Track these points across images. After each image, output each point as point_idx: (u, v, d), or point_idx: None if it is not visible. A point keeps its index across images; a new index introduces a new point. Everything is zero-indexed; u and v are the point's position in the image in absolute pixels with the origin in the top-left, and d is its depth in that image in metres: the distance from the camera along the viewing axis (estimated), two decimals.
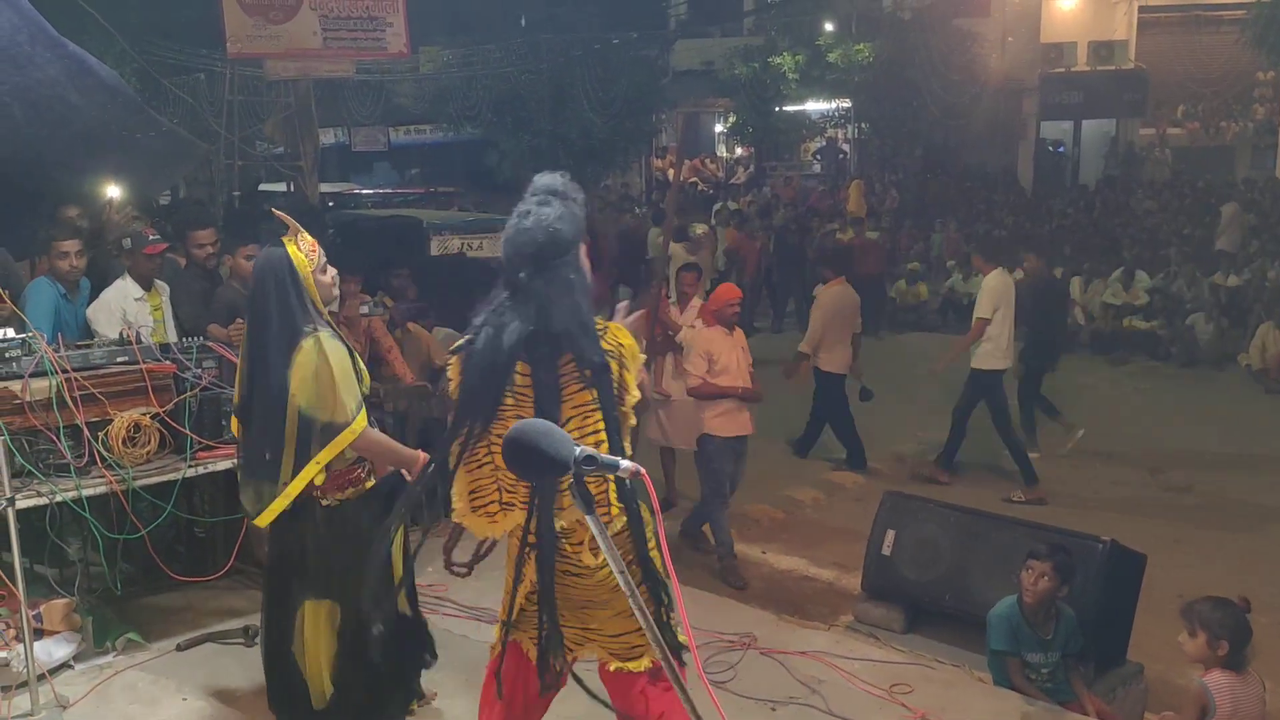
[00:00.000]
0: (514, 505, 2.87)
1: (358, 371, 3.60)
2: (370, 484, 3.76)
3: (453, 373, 2.93)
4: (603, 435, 2.85)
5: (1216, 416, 10.25)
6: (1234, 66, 19.95)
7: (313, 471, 3.51)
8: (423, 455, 3.50)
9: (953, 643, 5.20)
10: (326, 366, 3.46)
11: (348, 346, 3.60)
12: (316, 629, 3.67)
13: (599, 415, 2.84)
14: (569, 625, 2.97)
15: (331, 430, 3.48)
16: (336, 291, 3.73)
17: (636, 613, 1.92)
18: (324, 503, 3.62)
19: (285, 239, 3.62)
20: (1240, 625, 3.94)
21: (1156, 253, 15.17)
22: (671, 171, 18.73)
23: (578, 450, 1.66)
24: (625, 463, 1.75)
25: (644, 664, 2.96)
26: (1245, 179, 20.74)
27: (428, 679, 4.46)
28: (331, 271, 3.68)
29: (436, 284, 8.90)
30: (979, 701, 4.38)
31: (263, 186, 14.63)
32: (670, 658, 2.02)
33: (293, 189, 10.58)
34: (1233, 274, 13.75)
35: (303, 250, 3.59)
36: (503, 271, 2.89)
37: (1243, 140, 23.42)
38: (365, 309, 6.75)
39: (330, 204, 15.00)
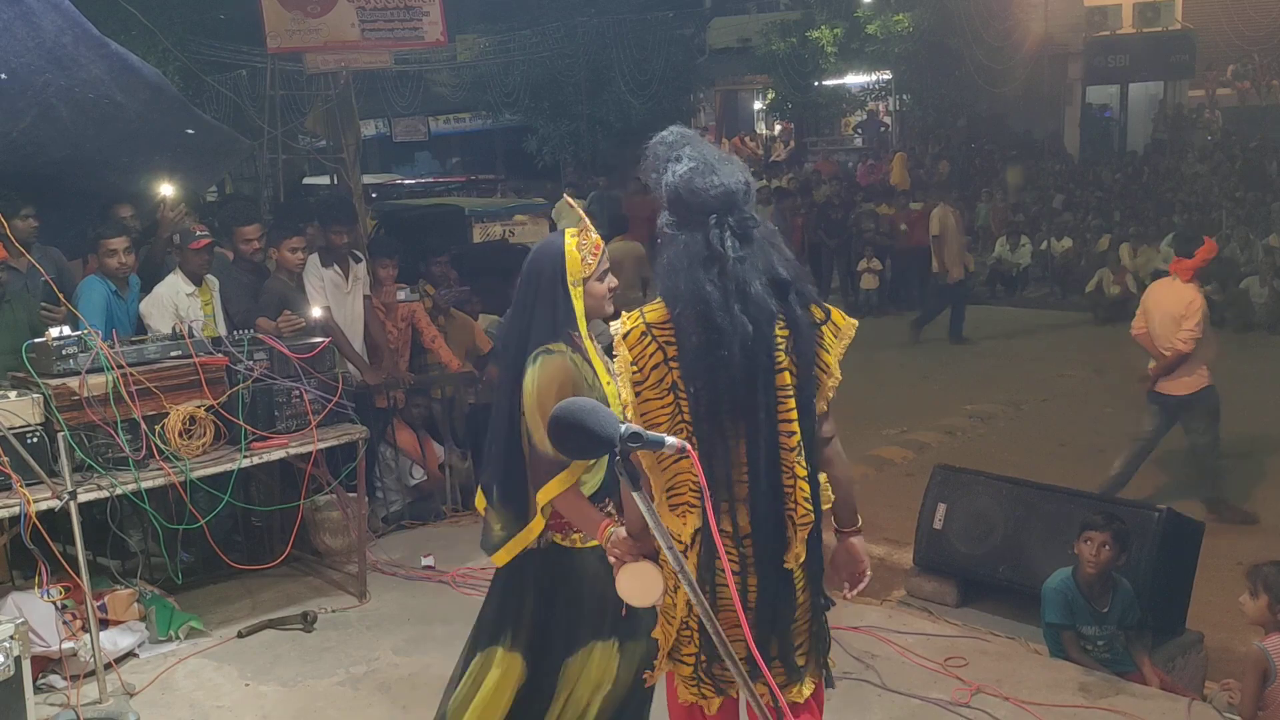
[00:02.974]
0: (695, 507, 2.48)
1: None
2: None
3: (634, 353, 2.47)
4: (794, 426, 2.46)
5: (1273, 382, 10.03)
6: None
7: (541, 510, 3.00)
8: (604, 524, 2.79)
9: (1007, 615, 5.16)
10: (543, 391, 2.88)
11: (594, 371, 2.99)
12: (495, 680, 3.16)
13: (791, 403, 2.46)
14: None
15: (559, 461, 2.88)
16: (610, 307, 3.04)
17: (706, 622, 1.81)
18: (551, 539, 3.08)
19: (568, 231, 3.08)
20: None
21: (1208, 216, 14.86)
22: None
23: (623, 427, 1.67)
24: (670, 439, 1.76)
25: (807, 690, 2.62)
26: None
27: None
28: (611, 282, 3.06)
29: (480, 271, 8.96)
30: (1035, 673, 4.35)
31: (306, 180, 14.79)
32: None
33: (336, 181, 10.67)
34: None
35: (581, 250, 3.02)
36: (679, 224, 2.48)
37: None
38: (403, 295, 6.82)
39: (373, 195, 15.15)
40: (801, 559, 2.52)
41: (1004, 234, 15.30)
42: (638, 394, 2.46)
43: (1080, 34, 21.64)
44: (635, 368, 2.46)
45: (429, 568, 5.57)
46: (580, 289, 3.00)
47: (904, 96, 24.10)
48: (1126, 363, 11.08)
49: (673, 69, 20.62)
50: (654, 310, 2.49)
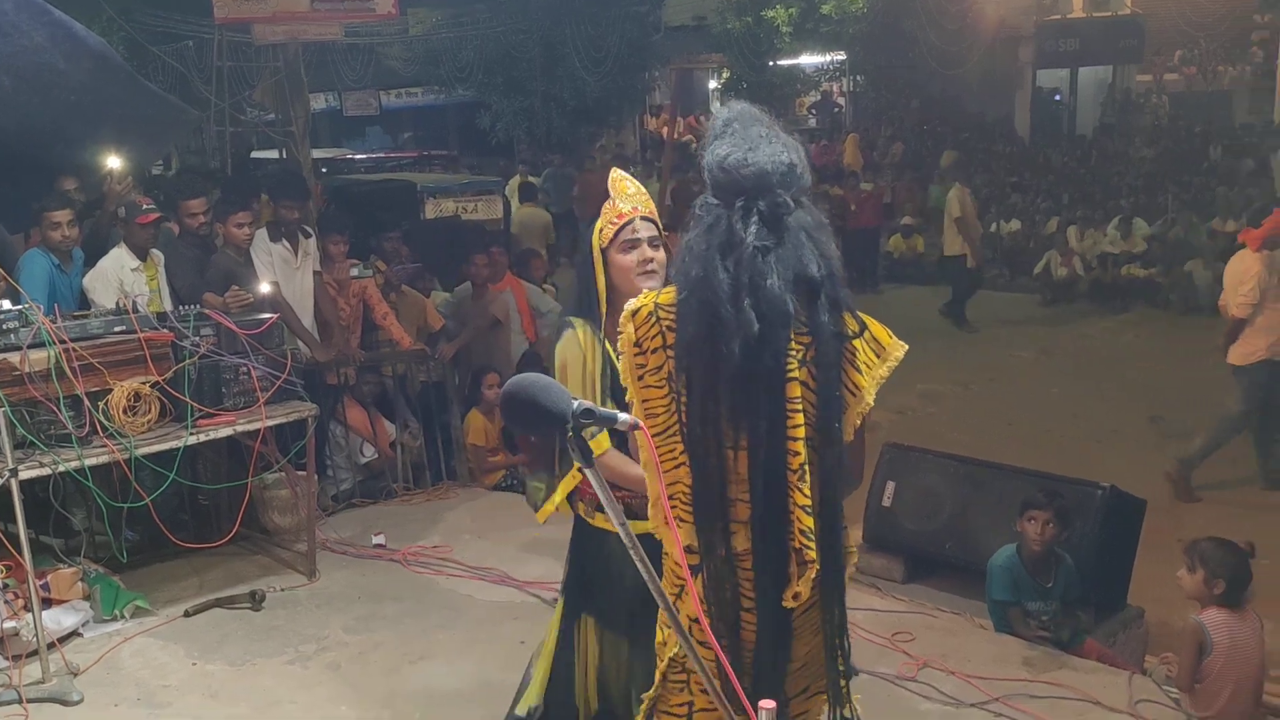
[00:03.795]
0: (685, 521, 2.28)
1: (607, 389, 2.84)
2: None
3: (639, 333, 2.26)
4: (799, 446, 2.19)
5: (1216, 362, 10.24)
6: (1230, 10, 19.72)
7: (572, 482, 2.92)
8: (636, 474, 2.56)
9: (953, 591, 5.25)
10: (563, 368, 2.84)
11: (608, 361, 2.84)
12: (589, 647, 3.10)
13: (800, 419, 2.20)
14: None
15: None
16: (645, 284, 2.78)
17: (676, 628, 1.75)
18: (582, 514, 3.02)
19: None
20: (1240, 566, 3.99)
21: (1154, 200, 15.11)
22: (666, 130, 18.61)
23: (575, 404, 1.66)
24: (624, 415, 1.75)
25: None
26: (1242, 124, 20.63)
27: (428, 636, 4.53)
28: (637, 254, 2.81)
29: (432, 247, 8.89)
30: (980, 648, 4.43)
31: (255, 153, 14.56)
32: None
33: (285, 155, 10.50)
34: (1230, 219, 13.70)
35: (604, 218, 2.87)
36: (710, 206, 2.27)
37: (1240, 85, 23.25)
38: (355, 272, 6.75)
39: (323, 169, 14.95)
40: (803, 599, 2.25)
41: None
42: (639, 378, 2.27)
43: (1032, 18, 21.84)
44: (638, 349, 2.26)
45: (380, 546, 5.54)
46: (600, 257, 2.85)
47: (858, 78, 24.20)
48: (1074, 343, 11.31)
49: (627, 46, 20.51)
50: (668, 292, 2.29)
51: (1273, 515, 6.39)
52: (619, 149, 22.42)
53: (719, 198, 2.26)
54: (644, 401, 2.26)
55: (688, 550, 2.26)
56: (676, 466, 2.26)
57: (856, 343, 2.27)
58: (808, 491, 2.21)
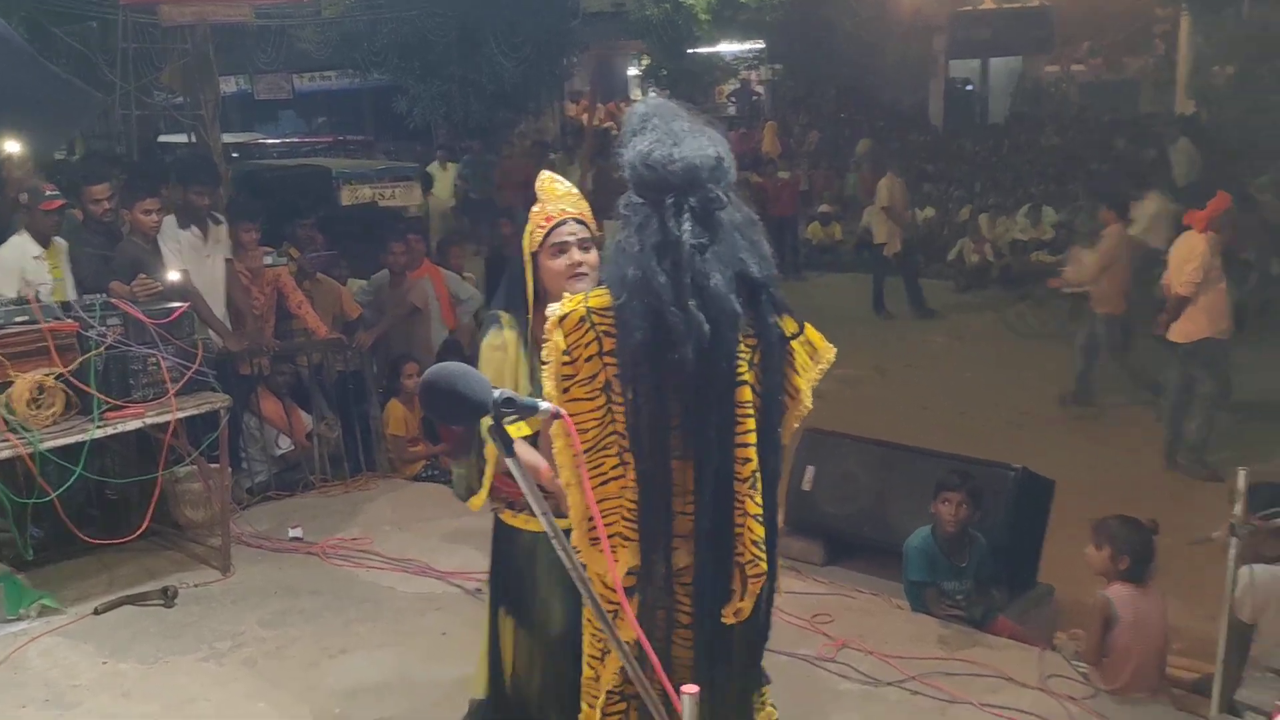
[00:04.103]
0: (630, 540, 2.16)
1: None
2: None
3: (569, 341, 2.15)
4: (750, 453, 2.13)
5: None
6: (1135, 2, 20.33)
7: (492, 460, 2.81)
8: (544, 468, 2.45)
9: (871, 572, 5.34)
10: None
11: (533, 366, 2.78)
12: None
13: (750, 424, 2.14)
14: None
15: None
16: (574, 288, 2.64)
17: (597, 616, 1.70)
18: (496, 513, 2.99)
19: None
20: (1144, 543, 4.12)
21: (1063, 188, 15.51)
22: (585, 116, 18.53)
23: (496, 392, 1.64)
24: (544, 403, 1.74)
25: None
26: (1147, 113, 21.26)
27: (348, 629, 4.47)
28: (566, 259, 2.73)
29: (348, 234, 8.75)
30: (897, 627, 4.51)
31: (162, 138, 14.14)
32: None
33: (194, 139, 10.22)
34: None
35: (533, 221, 2.80)
36: (637, 205, 2.18)
37: (1144, 75, 23.96)
38: (269, 260, 6.61)
39: (234, 155, 14.60)
40: (744, 616, 2.19)
41: (870, 204, 15.66)
42: (565, 390, 2.14)
43: (945, 7, 22.22)
44: (567, 358, 2.13)
45: (296, 539, 5.45)
46: (530, 261, 2.77)
47: (776, 66, 24.37)
48: (986, 328, 11.57)
49: (545, 31, 20.34)
50: (598, 295, 2.17)
51: (1176, 492, 6.63)
52: (538, 135, 22.25)
53: (644, 195, 2.16)
54: (572, 416, 2.08)
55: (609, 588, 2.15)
56: (605, 482, 2.15)
57: (794, 344, 2.23)
58: (759, 500, 2.15)
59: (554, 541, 1.73)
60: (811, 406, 2.25)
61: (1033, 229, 13.72)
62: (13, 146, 5.74)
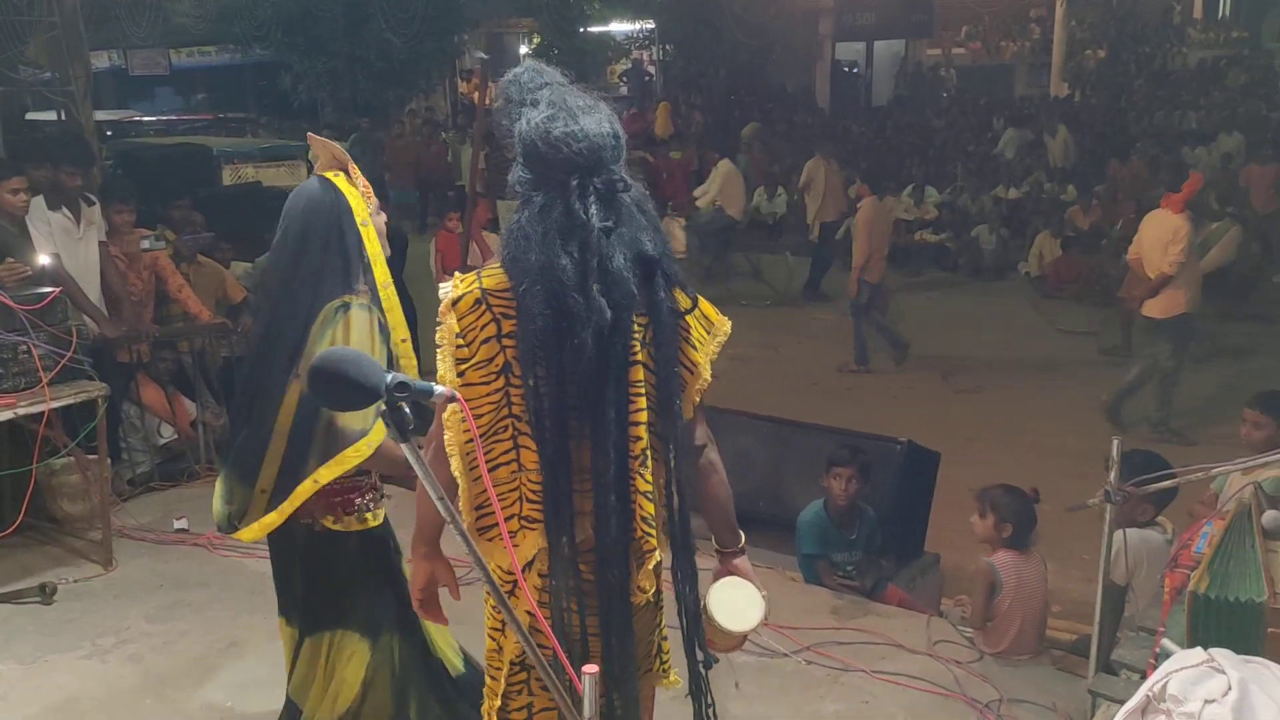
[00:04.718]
0: (536, 521, 2.14)
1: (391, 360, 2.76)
2: (377, 522, 2.89)
3: (463, 324, 2.11)
4: (641, 430, 2.13)
5: (1001, 322, 10.93)
6: None
7: (308, 491, 2.66)
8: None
9: (766, 546, 5.40)
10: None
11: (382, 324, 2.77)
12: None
13: (642, 403, 2.13)
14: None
15: (336, 439, 2.61)
16: (387, 250, 2.82)
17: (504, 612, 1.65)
18: (305, 522, 2.83)
19: (328, 173, 2.79)
20: (1026, 510, 4.28)
21: (945, 169, 15.92)
22: (477, 95, 18.37)
23: (389, 376, 1.61)
24: (439, 387, 1.71)
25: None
26: (1022, 96, 21.95)
27: (237, 621, 4.35)
28: (383, 217, 2.85)
29: (230, 215, 8.49)
30: (792, 599, 4.60)
31: (30, 115, 13.49)
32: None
33: (64, 116, 9.77)
34: (1013, 188, 14.59)
35: (358, 188, 2.77)
36: (535, 183, 2.12)
37: (1020, 59, 24.73)
38: (146, 243, 6.37)
39: (108, 133, 14.00)
40: (649, 592, 2.23)
41: (762, 185, 15.84)
42: (460, 374, 2.10)
43: None
44: (462, 340, 2.09)
45: (182, 530, 5.29)
46: (371, 229, 2.73)
47: (667, 46, 24.43)
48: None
49: (435, 7, 20.03)
50: (492, 275, 2.12)
51: (1055, 460, 6.89)
52: (429, 113, 21.93)
53: (540, 172, 2.11)
54: (468, 400, 2.07)
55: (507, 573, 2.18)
56: (496, 467, 2.13)
57: (689, 319, 2.22)
58: (649, 477, 2.16)
59: (452, 527, 1.71)
60: (710, 379, 2.25)
61: (916, 209, 14.06)
62: None
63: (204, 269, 6.74)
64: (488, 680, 2.33)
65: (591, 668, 1.65)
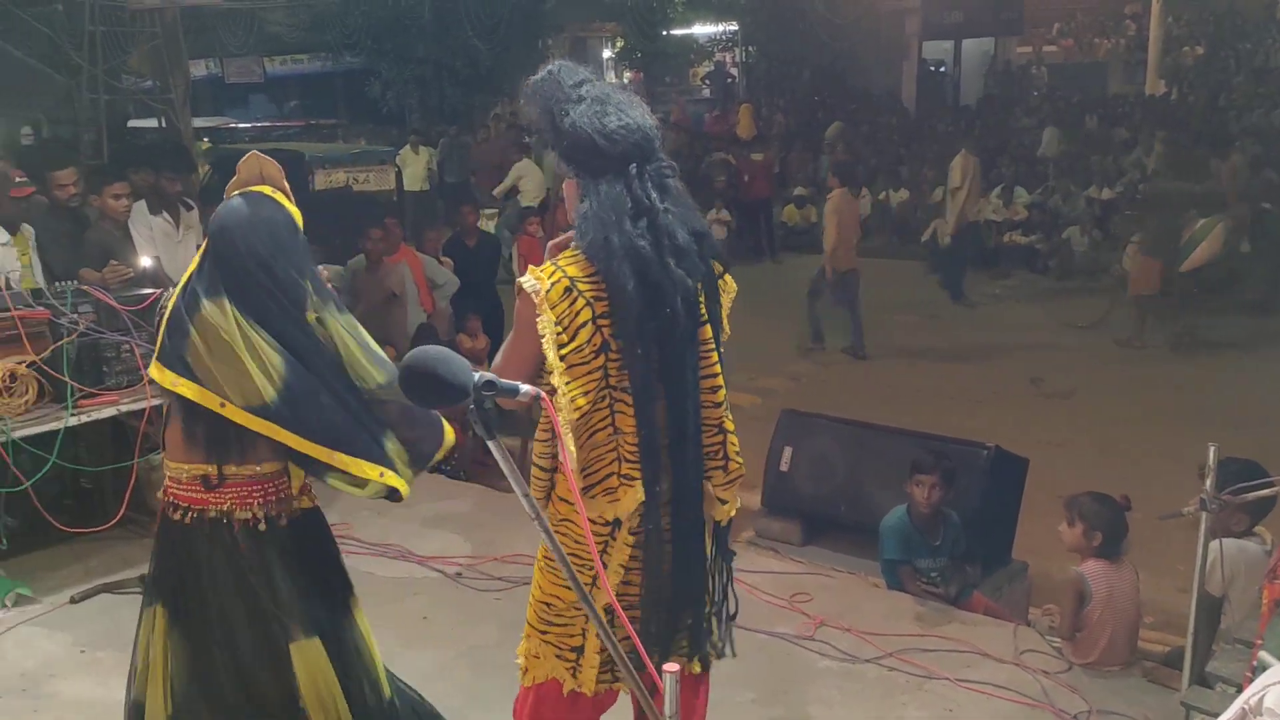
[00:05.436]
0: (634, 479, 2.33)
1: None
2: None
3: (557, 312, 2.25)
4: (720, 381, 2.43)
5: (1093, 326, 10.67)
6: None
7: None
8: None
9: (848, 551, 5.39)
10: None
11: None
12: None
13: (715, 357, 2.42)
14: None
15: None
16: None
17: (575, 589, 1.72)
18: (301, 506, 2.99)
19: (263, 189, 2.86)
20: (1116, 519, 4.17)
21: (1034, 169, 15.59)
22: None
23: (477, 375, 1.64)
24: (525, 387, 1.74)
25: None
26: (1116, 94, 21.40)
27: None
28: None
29: (322, 219, 8.69)
30: (874, 605, 4.56)
31: (132, 122, 13.99)
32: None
33: (164, 124, 10.11)
34: (1106, 187, 14.24)
35: (292, 204, 2.89)
36: (595, 173, 2.29)
37: (1115, 57, 24.12)
38: None
39: (206, 139, 14.45)
40: (732, 514, 2.50)
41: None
42: (563, 358, 2.24)
43: None
44: (560, 328, 2.23)
45: None
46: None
47: (750, 48, 24.36)
48: (958, 309, 11.64)
49: (520, 13, 20.27)
50: (572, 264, 2.28)
51: (1147, 468, 6.71)
52: (514, 118, 22.18)
53: (598, 164, 2.28)
54: (574, 381, 2.26)
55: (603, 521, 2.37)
56: (593, 434, 2.31)
57: (719, 283, 2.47)
58: (730, 417, 2.46)
59: (536, 524, 1.73)
60: (729, 332, 2.52)
61: (1005, 210, 13.80)
62: None
63: None
64: (550, 623, 2.49)
65: (673, 666, 1.66)
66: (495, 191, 13.72)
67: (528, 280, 2.27)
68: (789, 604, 4.52)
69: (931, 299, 11.97)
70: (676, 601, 2.44)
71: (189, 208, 6.08)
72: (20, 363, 4.29)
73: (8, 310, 4.33)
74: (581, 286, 2.26)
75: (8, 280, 4.55)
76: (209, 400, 2.70)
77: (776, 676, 4.00)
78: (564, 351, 2.24)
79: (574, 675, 2.46)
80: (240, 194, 2.87)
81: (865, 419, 6.00)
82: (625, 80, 27.86)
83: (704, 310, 2.37)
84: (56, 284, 4.71)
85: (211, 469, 2.76)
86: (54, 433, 4.37)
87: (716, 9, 22.89)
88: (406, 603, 4.58)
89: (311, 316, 2.74)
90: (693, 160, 15.52)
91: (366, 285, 7.15)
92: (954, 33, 23.61)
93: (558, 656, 2.47)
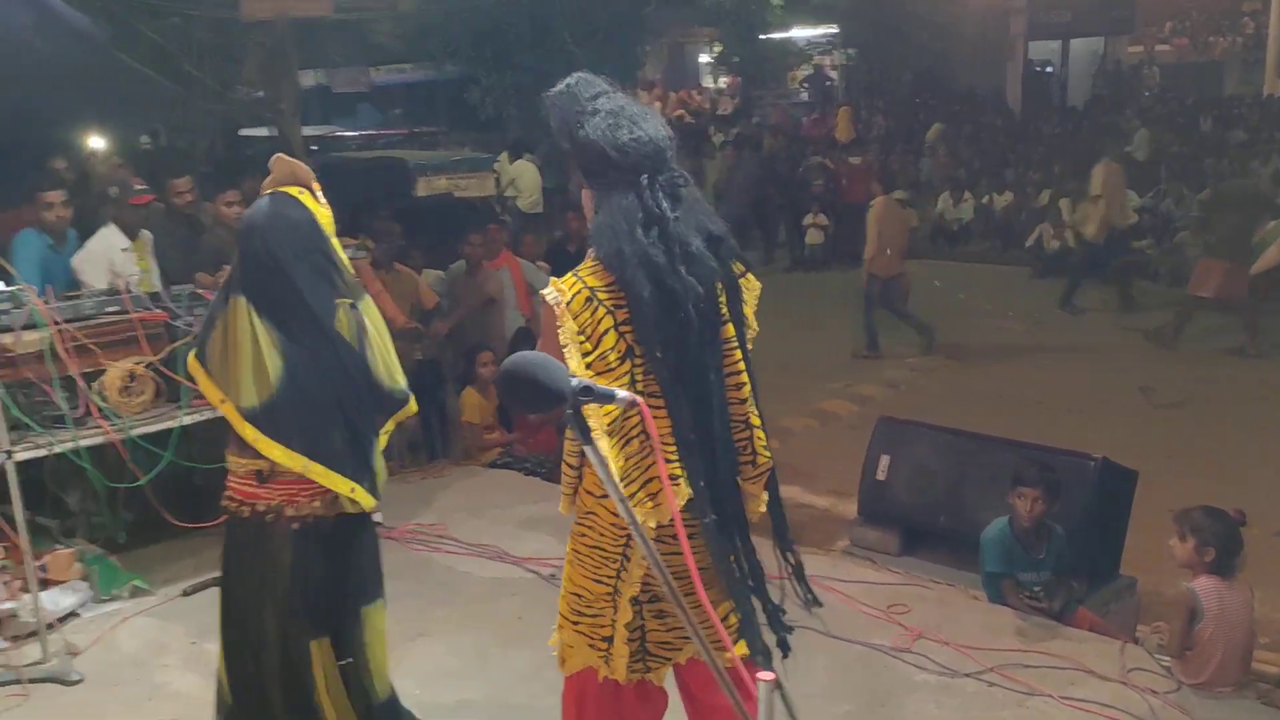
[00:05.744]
0: (678, 477, 2.35)
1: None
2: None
3: (579, 321, 2.31)
4: (744, 378, 2.44)
5: (1206, 334, 10.29)
6: None
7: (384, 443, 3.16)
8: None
9: (947, 563, 5.27)
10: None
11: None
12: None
13: (739, 354, 2.45)
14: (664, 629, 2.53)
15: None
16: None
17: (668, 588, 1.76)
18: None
19: (292, 189, 2.99)
20: (1230, 534, 4.01)
21: (1145, 172, 15.10)
22: (658, 105, 18.50)
23: (575, 381, 1.66)
24: (621, 393, 1.75)
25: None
26: (1232, 95, 20.61)
27: (426, 613, 4.53)
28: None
29: (425, 225, 8.85)
30: (974, 618, 4.46)
31: (243, 131, 14.45)
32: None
33: (274, 133, 10.45)
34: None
35: (322, 204, 3.01)
36: (608, 185, 2.36)
37: (1231, 56, 23.23)
38: (349, 252, 6.71)
39: (314, 148, 14.85)
40: (763, 509, 2.54)
41: (947, 189, 15.43)
42: (588, 366, 2.29)
43: None
44: (583, 337, 2.29)
45: (376, 524, 5.52)
46: (336, 240, 3.01)
47: (850, 50, 24.09)
48: (1064, 315, 11.33)
49: (618, 20, 20.37)
50: (591, 273, 2.34)
51: (1263, 481, 6.44)
52: None
53: (611, 176, 2.33)
54: None
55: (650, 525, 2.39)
56: (629, 441, 2.34)
57: (742, 282, 2.48)
58: (757, 412, 2.46)
59: (632, 529, 1.74)
60: (757, 329, 2.53)
61: None
62: (97, 142, 5.93)
63: (400, 276, 7.05)
64: (592, 609, 2.52)
65: (767, 675, 1.65)
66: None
67: (549, 291, 2.34)
68: (885, 615, 4.46)
69: (1036, 305, 11.69)
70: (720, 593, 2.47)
71: None
72: (139, 363, 4.47)
73: (127, 313, 4.51)
74: (601, 295, 2.31)
75: (127, 284, 4.73)
76: (212, 395, 2.82)
77: (873, 689, 3.95)
78: (588, 359, 2.30)
79: (606, 663, 2.52)
80: (270, 194, 2.98)
81: (965, 427, 5.88)
82: (722, 85, 27.85)
83: (725, 309, 2.41)
84: (173, 287, 4.89)
85: (264, 464, 2.86)
86: (169, 431, 4.54)
87: (815, 12, 22.67)
88: (502, 603, 4.64)
89: (344, 304, 2.89)
90: (790, 164, 15.42)
91: (465, 289, 7.26)
92: (1062, 32, 23.02)
93: (590, 646, 2.53)
